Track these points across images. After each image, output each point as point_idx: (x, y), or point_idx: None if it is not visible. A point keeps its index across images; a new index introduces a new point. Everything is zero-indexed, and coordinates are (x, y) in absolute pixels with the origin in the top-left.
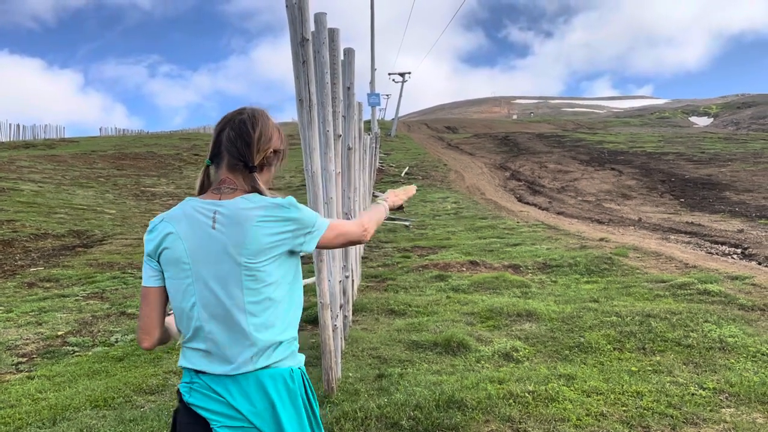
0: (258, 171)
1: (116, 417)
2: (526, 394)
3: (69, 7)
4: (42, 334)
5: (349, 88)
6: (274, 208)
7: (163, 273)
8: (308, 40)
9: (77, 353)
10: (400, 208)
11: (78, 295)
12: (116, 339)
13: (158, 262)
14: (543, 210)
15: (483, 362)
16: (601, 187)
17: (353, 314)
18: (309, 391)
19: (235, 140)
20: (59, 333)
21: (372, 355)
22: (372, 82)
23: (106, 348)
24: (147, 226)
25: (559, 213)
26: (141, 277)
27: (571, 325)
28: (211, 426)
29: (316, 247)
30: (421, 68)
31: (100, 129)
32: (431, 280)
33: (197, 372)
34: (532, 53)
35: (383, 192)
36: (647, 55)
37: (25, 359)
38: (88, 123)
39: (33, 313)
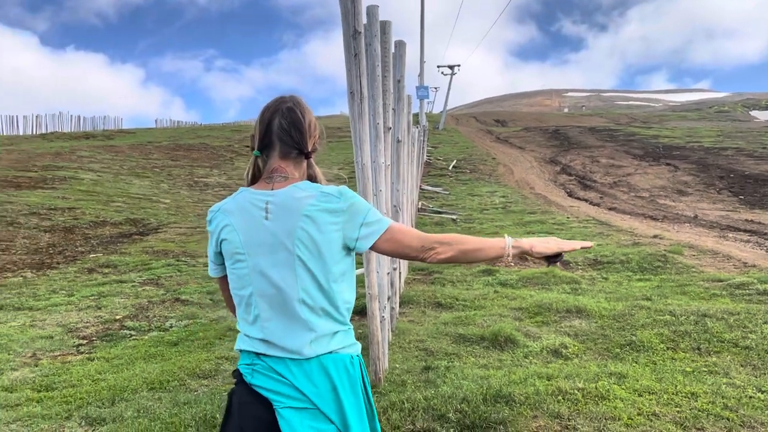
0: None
1: (171, 399)
2: (576, 391)
3: (130, 3)
4: (101, 317)
5: (399, 81)
6: (323, 197)
7: (224, 264)
8: (360, 32)
9: (134, 337)
10: (555, 258)
11: (135, 281)
12: (171, 324)
13: (219, 252)
14: (594, 205)
15: (531, 358)
16: (656, 183)
17: (400, 306)
18: (365, 380)
19: (289, 129)
20: (117, 317)
21: (419, 348)
22: (421, 75)
23: (161, 333)
24: (200, 215)
25: (610, 209)
26: (194, 265)
27: (623, 323)
28: (275, 406)
29: (374, 250)
30: (471, 61)
31: (156, 121)
32: (478, 274)
33: (258, 354)
34: (586, 47)
35: (430, 185)
36: (706, 48)
37: (85, 341)
38: (149, 116)
39: (93, 297)
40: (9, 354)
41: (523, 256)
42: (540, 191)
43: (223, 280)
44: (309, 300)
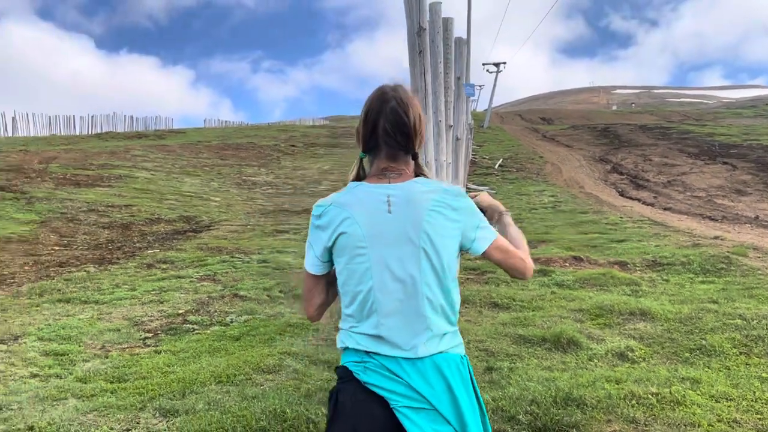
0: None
1: (239, 393)
2: (650, 396)
3: (180, 6)
4: (164, 311)
5: (459, 78)
6: (444, 194)
7: (330, 261)
8: (425, 29)
9: (197, 331)
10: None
11: (192, 277)
12: (231, 319)
13: (330, 248)
14: (648, 205)
15: (596, 360)
16: (712, 182)
17: None
18: (474, 381)
19: (394, 133)
20: (180, 311)
21: (479, 348)
22: (467, 72)
23: (222, 327)
24: (250, 213)
25: (665, 208)
26: (248, 262)
27: (690, 327)
28: (392, 405)
29: (483, 255)
30: (516, 59)
31: (204, 121)
32: (533, 274)
33: (367, 352)
34: (635, 43)
35: (476, 184)
36: (763, 44)
37: (151, 335)
38: (199, 117)
39: (154, 291)
40: (80, 346)
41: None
42: (590, 190)
43: (319, 278)
44: (432, 296)
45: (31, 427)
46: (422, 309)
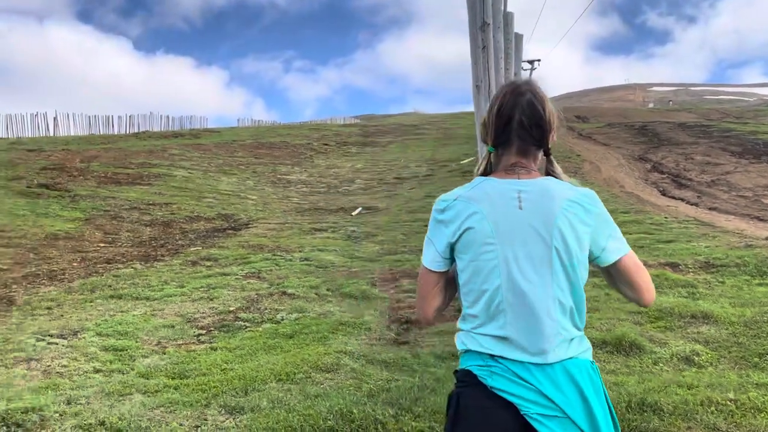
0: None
1: (300, 391)
2: (728, 402)
3: (213, 7)
4: (215, 308)
5: (516, 73)
6: (578, 194)
7: (451, 258)
8: (489, 24)
9: (249, 328)
10: None
11: (237, 274)
12: (282, 317)
13: (454, 244)
14: (692, 205)
15: (661, 365)
16: (759, 182)
17: None
18: (604, 388)
19: (530, 127)
20: (230, 308)
21: None
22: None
23: (274, 325)
24: (286, 211)
25: (711, 209)
26: (290, 260)
27: (757, 330)
28: (522, 412)
29: (610, 267)
30: (551, 56)
31: (238, 120)
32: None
33: (492, 356)
34: (672, 40)
35: None
36: None
37: (204, 331)
38: (232, 116)
39: (203, 289)
40: (137, 342)
41: None
42: (631, 190)
43: (439, 276)
44: (562, 298)
45: (102, 422)
46: (552, 311)
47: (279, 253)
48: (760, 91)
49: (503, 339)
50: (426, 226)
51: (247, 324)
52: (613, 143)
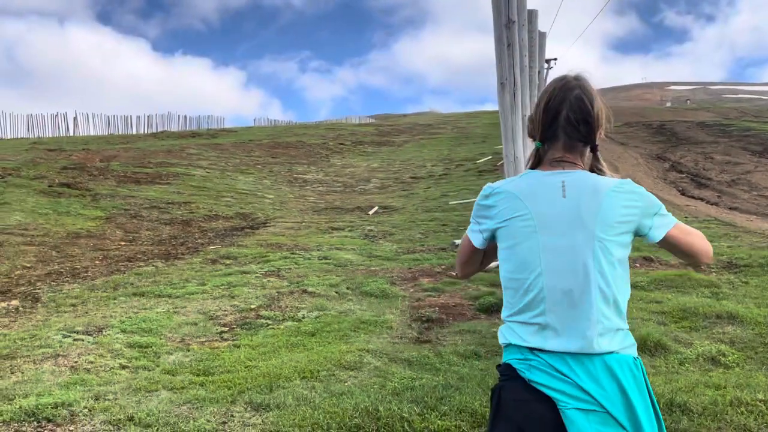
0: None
1: (324, 389)
2: (758, 403)
3: (230, 8)
4: (237, 306)
5: (539, 72)
6: (620, 183)
7: (492, 239)
8: (514, 21)
9: (270, 326)
10: None
11: (257, 273)
12: (303, 315)
13: (495, 231)
14: (712, 205)
15: (687, 365)
16: None
17: None
18: (649, 385)
19: (578, 123)
20: (252, 306)
21: None
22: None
23: (295, 323)
24: (303, 210)
25: (731, 208)
26: (309, 258)
27: None
28: (559, 407)
29: (662, 241)
30: (567, 56)
31: (254, 120)
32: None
33: (531, 349)
34: (691, 38)
35: None
36: None
37: (227, 329)
38: (249, 116)
39: (224, 286)
40: (161, 339)
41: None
42: (649, 189)
43: (479, 250)
44: (605, 287)
45: (131, 418)
46: (595, 300)
47: (297, 252)
48: None
49: (543, 327)
50: (443, 225)
51: (269, 322)
52: (631, 142)
